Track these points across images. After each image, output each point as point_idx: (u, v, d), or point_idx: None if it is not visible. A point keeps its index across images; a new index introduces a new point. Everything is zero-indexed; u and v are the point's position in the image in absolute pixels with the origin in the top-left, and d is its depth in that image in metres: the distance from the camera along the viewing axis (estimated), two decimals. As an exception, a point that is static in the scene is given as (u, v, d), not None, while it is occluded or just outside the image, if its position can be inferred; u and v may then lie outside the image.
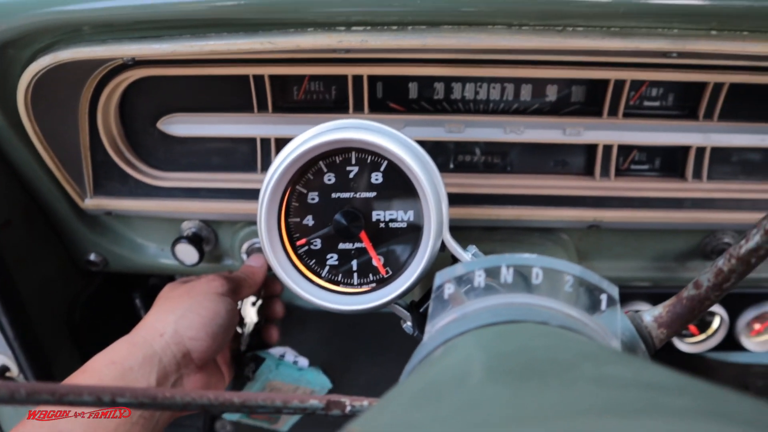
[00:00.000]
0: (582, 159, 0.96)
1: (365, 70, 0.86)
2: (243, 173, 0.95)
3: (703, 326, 1.19)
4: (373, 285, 0.77)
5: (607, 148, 0.92)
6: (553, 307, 0.45)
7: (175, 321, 0.79)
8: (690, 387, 0.29)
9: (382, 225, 0.75)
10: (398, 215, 0.74)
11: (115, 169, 0.94)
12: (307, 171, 0.73)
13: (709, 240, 1.00)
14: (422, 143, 0.75)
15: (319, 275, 0.77)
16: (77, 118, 0.87)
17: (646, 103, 0.92)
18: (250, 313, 1.04)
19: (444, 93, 0.91)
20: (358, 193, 0.74)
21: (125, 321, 0.94)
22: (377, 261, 0.76)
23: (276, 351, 1.06)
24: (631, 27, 0.72)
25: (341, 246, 0.76)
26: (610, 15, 0.70)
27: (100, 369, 0.72)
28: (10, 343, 0.95)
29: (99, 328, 1.13)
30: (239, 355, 1.02)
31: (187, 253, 0.99)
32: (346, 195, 0.74)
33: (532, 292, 0.46)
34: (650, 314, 0.53)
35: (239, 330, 1.03)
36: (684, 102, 0.92)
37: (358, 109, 0.89)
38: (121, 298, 1.23)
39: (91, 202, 0.95)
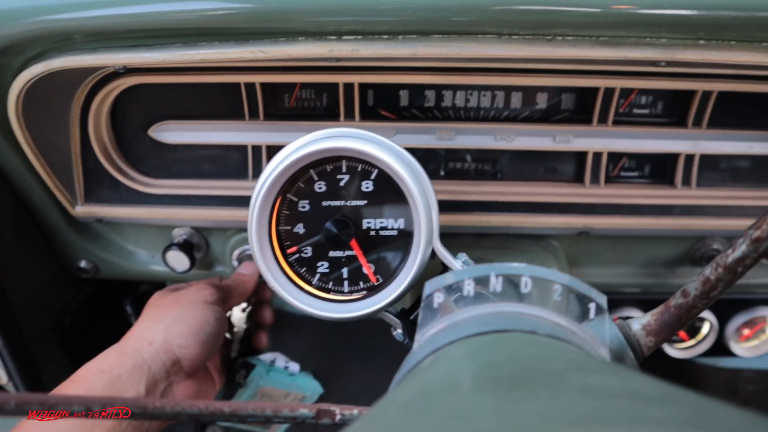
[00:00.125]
0: (572, 166, 0.96)
1: (356, 78, 0.86)
2: (234, 180, 0.95)
3: (693, 332, 1.20)
4: (364, 293, 0.77)
5: (597, 156, 0.92)
6: (542, 316, 0.45)
7: (164, 329, 0.79)
8: (676, 397, 0.30)
9: (372, 233, 0.75)
10: (389, 223, 0.75)
11: (106, 177, 0.94)
12: (298, 179, 0.73)
13: (698, 246, 1.01)
14: (413, 150, 0.75)
15: (309, 283, 0.77)
16: (68, 125, 0.87)
17: (636, 111, 0.93)
18: (239, 319, 1.04)
19: (435, 101, 0.92)
20: (349, 201, 0.74)
21: (116, 328, 0.94)
22: (368, 269, 0.76)
23: (267, 357, 1.06)
24: (620, 36, 0.73)
25: (332, 254, 0.76)
26: (599, 25, 0.71)
27: (90, 378, 0.72)
28: (-1, 350, 0.95)
29: (89, 335, 1.13)
30: (230, 361, 1.02)
31: (178, 260, 0.99)
32: (337, 203, 0.74)
33: (521, 300, 0.46)
34: (638, 322, 0.54)
35: (228, 336, 1.03)
36: (673, 110, 0.93)
37: (349, 116, 0.89)
38: (111, 306, 1.23)
39: (81, 210, 0.95)
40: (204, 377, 0.87)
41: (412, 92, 0.91)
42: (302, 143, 0.72)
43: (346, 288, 0.77)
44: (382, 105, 0.92)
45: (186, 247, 0.99)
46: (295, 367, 1.07)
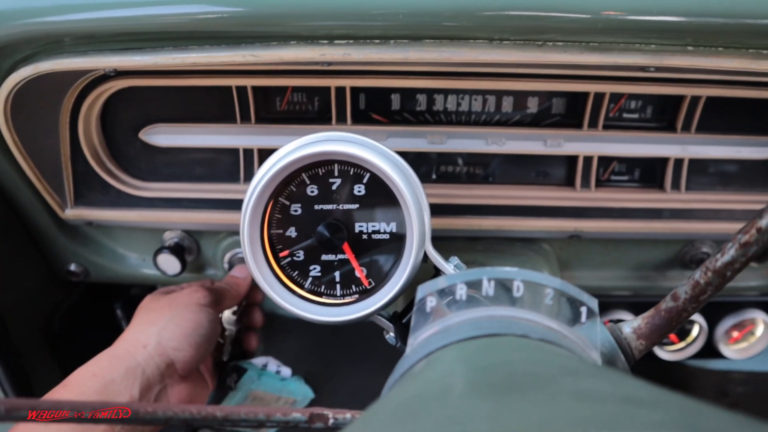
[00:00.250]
0: (563, 170, 0.97)
1: (348, 82, 0.86)
2: (226, 184, 0.95)
3: (683, 334, 1.21)
4: (356, 296, 0.77)
5: (588, 160, 0.93)
6: (534, 319, 0.45)
7: (158, 332, 0.79)
8: (667, 401, 0.30)
9: (364, 236, 0.75)
10: (381, 227, 0.75)
11: (96, 180, 0.93)
12: (290, 183, 0.73)
13: (688, 249, 1.02)
14: (405, 154, 0.75)
15: (301, 286, 0.77)
16: (58, 128, 0.87)
17: (626, 116, 0.93)
18: (229, 321, 1.04)
19: (426, 104, 0.92)
20: (341, 205, 0.74)
21: (106, 332, 0.94)
22: (360, 272, 0.76)
23: (258, 361, 1.05)
24: (610, 42, 0.73)
25: (324, 257, 0.76)
26: (588, 30, 0.71)
27: (82, 382, 0.71)
28: (-13, 355, 0.94)
29: (79, 339, 1.12)
30: (221, 364, 1.01)
31: (169, 264, 0.99)
32: (329, 207, 0.74)
33: (513, 304, 0.47)
34: (629, 326, 0.54)
35: (220, 340, 1.03)
36: (662, 114, 0.93)
37: (341, 120, 0.90)
38: (101, 309, 1.22)
39: (71, 213, 0.95)
40: (197, 380, 0.87)
41: (403, 96, 0.91)
42: (294, 147, 0.72)
43: (338, 291, 0.77)
44: (373, 109, 0.92)
45: (177, 250, 0.98)
46: (286, 371, 1.06)
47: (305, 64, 0.82)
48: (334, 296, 0.77)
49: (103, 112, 0.90)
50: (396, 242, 0.75)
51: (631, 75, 0.85)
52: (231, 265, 1.01)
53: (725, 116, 0.91)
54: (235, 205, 0.90)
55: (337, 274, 0.76)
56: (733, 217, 0.95)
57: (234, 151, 0.93)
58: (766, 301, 1.14)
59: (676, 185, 0.95)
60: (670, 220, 0.96)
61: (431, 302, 0.47)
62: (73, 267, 1.05)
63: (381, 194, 0.73)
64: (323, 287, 0.77)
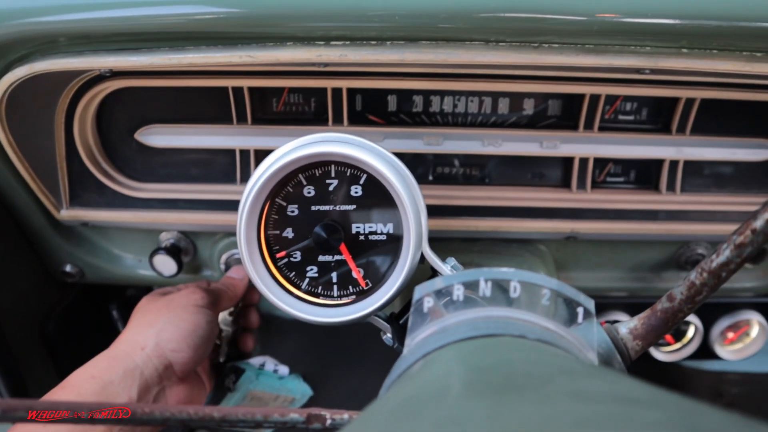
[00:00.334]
0: (559, 171, 0.97)
1: (344, 83, 0.86)
2: (222, 184, 0.95)
3: (679, 335, 1.21)
4: (353, 297, 0.77)
5: (584, 161, 0.93)
6: (531, 320, 0.45)
7: (156, 334, 0.79)
8: (664, 400, 0.30)
9: (361, 237, 0.75)
10: (378, 228, 0.75)
11: (91, 180, 0.93)
12: (286, 184, 0.73)
13: (683, 251, 1.02)
14: (401, 155, 0.75)
15: (299, 287, 0.77)
16: (53, 128, 0.86)
17: (621, 117, 0.94)
18: (225, 321, 1.03)
19: (423, 106, 0.92)
20: (338, 206, 0.74)
21: (102, 333, 0.94)
22: (357, 273, 0.76)
23: (256, 361, 1.05)
24: (605, 44, 0.73)
25: (321, 258, 0.76)
26: (584, 33, 0.71)
27: (81, 384, 0.71)
28: (-18, 357, 0.94)
29: (75, 340, 1.11)
30: (218, 365, 1.01)
31: (166, 265, 0.98)
32: (326, 207, 0.74)
33: (510, 305, 0.47)
34: (626, 326, 0.54)
35: (217, 342, 1.03)
36: (657, 116, 0.94)
37: (338, 121, 0.90)
38: (97, 310, 1.21)
39: (67, 213, 0.94)
40: (195, 381, 0.87)
41: (400, 97, 0.92)
42: (291, 147, 0.72)
43: (335, 292, 0.77)
44: (370, 110, 0.92)
45: (173, 251, 0.98)
46: (284, 369, 1.06)
47: (302, 65, 0.82)
48: (331, 297, 0.77)
49: (98, 112, 0.90)
50: (393, 243, 0.75)
51: (626, 77, 0.85)
52: (228, 266, 1.01)
53: (720, 118, 0.92)
54: (232, 206, 0.90)
55: (334, 275, 0.76)
56: (728, 218, 0.96)
57: (230, 152, 0.93)
58: (761, 303, 1.15)
59: (671, 187, 0.95)
60: (666, 221, 0.96)
61: (428, 303, 0.47)
62: (68, 268, 1.05)
63: (378, 195, 0.73)
64: (320, 288, 0.77)
